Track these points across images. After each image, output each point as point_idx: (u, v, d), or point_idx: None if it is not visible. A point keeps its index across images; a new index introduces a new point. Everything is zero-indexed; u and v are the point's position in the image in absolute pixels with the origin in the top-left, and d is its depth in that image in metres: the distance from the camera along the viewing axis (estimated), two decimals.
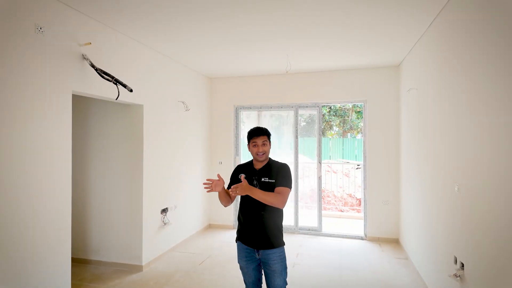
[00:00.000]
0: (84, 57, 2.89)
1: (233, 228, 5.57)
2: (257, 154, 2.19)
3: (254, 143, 2.21)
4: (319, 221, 5.24)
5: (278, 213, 2.23)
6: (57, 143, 2.67)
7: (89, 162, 3.96)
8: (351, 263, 4.02)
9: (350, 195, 7.59)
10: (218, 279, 3.57)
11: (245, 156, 5.69)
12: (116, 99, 3.15)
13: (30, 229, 2.47)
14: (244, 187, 2.02)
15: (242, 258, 2.26)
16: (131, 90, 3.01)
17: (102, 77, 2.95)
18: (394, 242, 4.81)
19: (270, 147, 2.25)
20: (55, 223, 2.68)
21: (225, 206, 2.29)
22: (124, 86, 3.01)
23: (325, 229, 5.30)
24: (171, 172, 4.40)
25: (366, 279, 3.57)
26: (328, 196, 7.57)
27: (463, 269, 2.36)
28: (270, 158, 2.29)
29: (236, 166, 2.38)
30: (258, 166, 2.25)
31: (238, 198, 2.44)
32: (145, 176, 3.81)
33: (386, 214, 4.88)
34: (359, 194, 7.29)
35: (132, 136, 3.81)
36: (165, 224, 4.21)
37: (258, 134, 2.20)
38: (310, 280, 3.53)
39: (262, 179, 2.18)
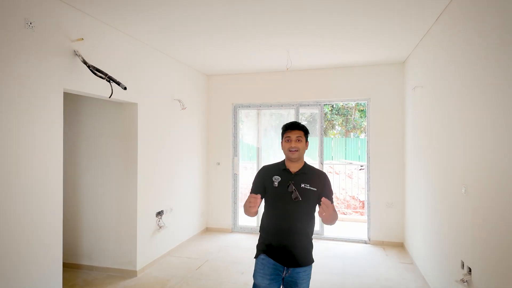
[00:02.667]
0: (76, 54, 2.89)
1: (231, 231, 5.58)
2: (289, 150, 2.00)
3: (287, 138, 2.03)
4: (321, 224, 5.25)
5: (313, 224, 2.06)
6: (48, 143, 2.67)
7: (81, 163, 3.96)
8: (354, 268, 4.03)
9: (353, 197, 7.60)
10: (216, 285, 3.57)
11: (244, 157, 5.69)
12: (110, 97, 3.15)
13: (19, 232, 2.47)
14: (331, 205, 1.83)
15: (266, 275, 1.97)
16: (125, 88, 3.01)
17: (95, 74, 2.95)
18: (399, 246, 4.82)
19: (306, 147, 2.06)
20: (46, 226, 2.68)
21: (252, 216, 2.06)
22: (118, 83, 3.01)
23: (327, 233, 5.31)
24: (166, 173, 4.41)
25: (370, 285, 3.58)
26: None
27: (470, 274, 2.37)
28: (305, 162, 2.10)
29: (262, 167, 2.16)
30: (293, 169, 2.04)
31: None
32: (139, 178, 3.81)
33: (390, 217, 4.90)
34: (363, 196, 7.31)
35: (126, 136, 3.81)
36: (160, 227, 4.21)
37: (293, 128, 2.03)
38: (311, 287, 3.53)
39: (302, 185, 1.98)
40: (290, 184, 1.96)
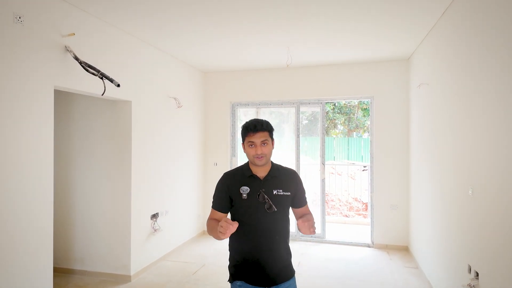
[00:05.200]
0: (67, 49, 2.88)
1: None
2: (255, 158, 1.75)
3: (250, 143, 1.76)
4: (323, 227, 5.25)
5: (289, 229, 1.89)
6: (38, 142, 2.66)
7: (72, 163, 3.95)
8: (357, 273, 4.03)
9: (355, 199, 7.61)
10: None
11: (243, 157, 5.69)
12: (102, 94, 3.14)
13: (7, 235, 2.46)
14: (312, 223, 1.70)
15: None
16: (118, 85, 3.00)
17: (87, 70, 2.94)
18: (404, 249, 4.83)
19: (273, 147, 1.82)
20: (36, 229, 2.67)
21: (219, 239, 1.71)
22: (111, 80, 3.00)
23: (328, 236, 5.31)
24: (162, 174, 4.40)
25: None
26: (332, 200, 7.58)
27: (477, 278, 2.37)
28: (272, 162, 1.87)
29: (223, 175, 1.89)
30: (260, 173, 1.81)
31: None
32: (133, 179, 3.80)
33: (394, 220, 4.90)
34: (366, 198, 7.31)
35: (120, 135, 3.80)
36: (155, 230, 4.21)
37: (256, 130, 1.75)
38: None
39: (275, 192, 1.77)
40: (260, 193, 1.75)
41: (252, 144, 1.76)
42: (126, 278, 3.77)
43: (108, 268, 3.83)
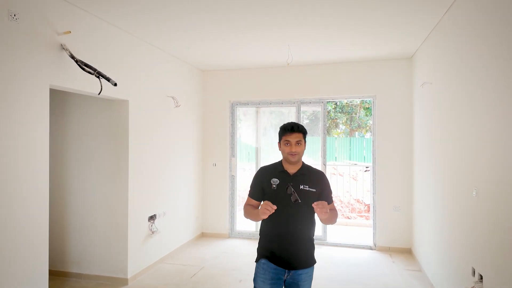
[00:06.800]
0: (63, 47, 2.88)
1: (228, 236, 5.58)
2: (289, 154, 2.07)
3: (286, 142, 2.09)
4: (324, 229, 5.26)
5: (313, 225, 2.18)
6: (33, 142, 2.67)
7: (68, 164, 3.95)
8: (359, 276, 4.04)
9: (357, 201, 7.61)
10: None
11: (242, 157, 5.70)
12: (99, 94, 3.14)
13: (3, 238, 2.46)
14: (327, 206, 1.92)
15: (267, 280, 2.08)
16: (115, 84, 3.01)
17: (83, 69, 2.95)
18: (406, 252, 4.83)
19: (305, 148, 2.14)
20: (31, 231, 2.68)
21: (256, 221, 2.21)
22: (108, 79, 3.01)
23: (330, 238, 5.32)
24: (159, 175, 4.41)
25: None
26: (334, 202, 7.57)
27: (481, 281, 2.37)
28: (303, 162, 2.19)
29: (259, 168, 2.27)
30: (291, 170, 2.13)
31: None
32: (130, 180, 3.81)
33: (397, 222, 4.90)
34: (368, 199, 7.32)
35: (117, 135, 3.81)
36: (153, 232, 4.21)
37: (292, 131, 2.08)
38: None
39: (301, 187, 2.07)
40: (288, 186, 2.03)
41: (288, 142, 2.09)
42: (123, 281, 3.78)
43: (104, 271, 3.84)
